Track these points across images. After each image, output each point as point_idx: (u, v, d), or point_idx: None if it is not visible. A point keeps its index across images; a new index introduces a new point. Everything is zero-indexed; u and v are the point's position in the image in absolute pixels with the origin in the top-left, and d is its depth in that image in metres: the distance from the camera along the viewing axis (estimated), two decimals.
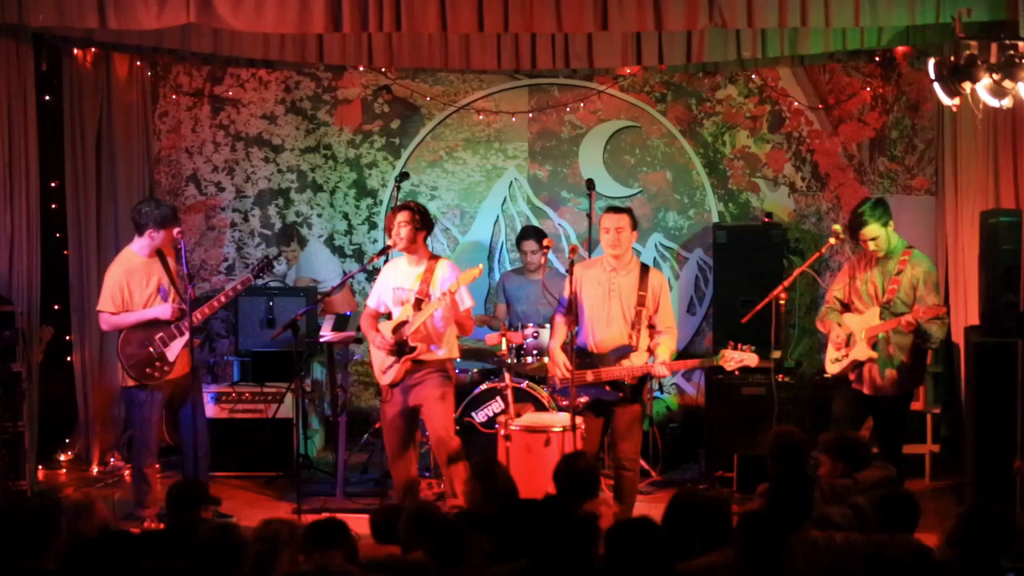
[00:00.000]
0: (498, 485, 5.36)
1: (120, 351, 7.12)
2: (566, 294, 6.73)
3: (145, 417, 7.16)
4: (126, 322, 7.11)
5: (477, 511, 5.16)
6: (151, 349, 7.06)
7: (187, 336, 7.01)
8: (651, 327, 6.81)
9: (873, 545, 4.42)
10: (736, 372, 7.02)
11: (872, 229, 6.77)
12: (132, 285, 7.11)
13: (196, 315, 7.11)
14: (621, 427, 6.81)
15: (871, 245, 6.80)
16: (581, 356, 6.75)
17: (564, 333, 6.79)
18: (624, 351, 6.76)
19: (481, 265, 6.89)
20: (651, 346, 6.81)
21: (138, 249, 7.17)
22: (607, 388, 6.74)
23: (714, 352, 7.14)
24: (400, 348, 6.75)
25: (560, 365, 6.77)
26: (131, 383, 7.12)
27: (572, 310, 6.64)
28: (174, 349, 7.07)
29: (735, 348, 6.77)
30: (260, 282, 9.27)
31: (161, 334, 7.07)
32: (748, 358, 6.75)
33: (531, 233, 8.53)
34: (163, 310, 7.07)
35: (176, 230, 7.10)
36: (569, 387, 6.60)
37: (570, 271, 6.71)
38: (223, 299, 7.28)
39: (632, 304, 6.75)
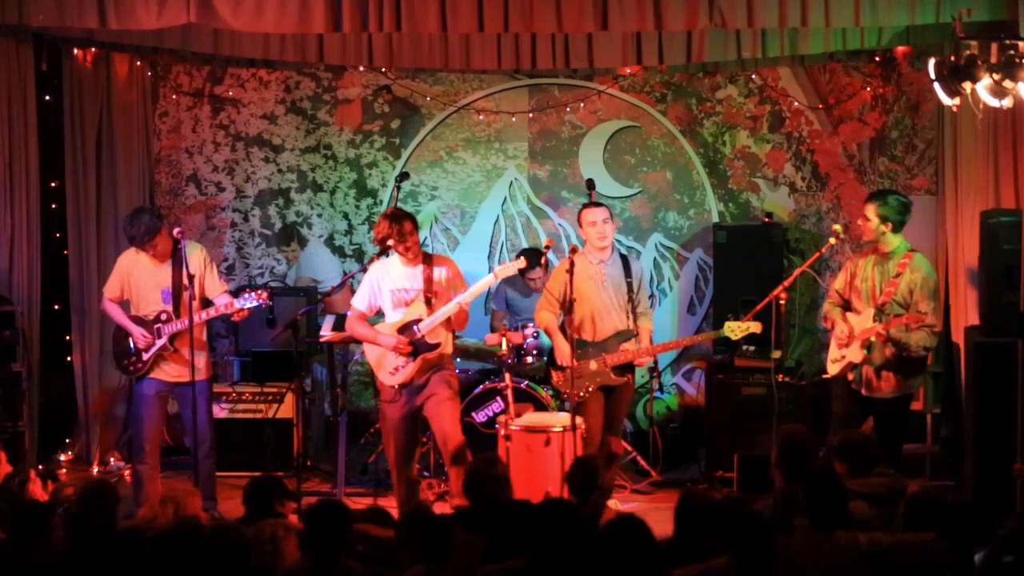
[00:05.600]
0: (499, 497, 5.33)
1: (112, 337, 7.32)
2: (554, 289, 7.11)
3: (136, 411, 7.27)
4: (111, 315, 7.26)
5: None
6: (129, 343, 7.14)
7: (163, 341, 7.04)
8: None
9: (900, 545, 4.43)
10: (740, 340, 7.31)
11: (868, 208, 6.81)
12: (134, 277, 7.16)
13: (178, 324, 7.03)
14: (618, 412, 7.22)
15: (860, 222, 6.89)
16: (580, 347, 7.01)
17: (557, 324, 7.15)
18: (625, 336, 7.11)
19: (521, 258, 7.10)
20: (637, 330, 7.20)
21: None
22: (612, 374, 7.05)
23: (717, 332, 7.45)
24: (421, 347, 6.73)
25: (568, 356, 6.87)
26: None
27: (571, 310, 6.74)
28: (151, 350, 7.08)
29: (737, 319, 7.13)
30: (261, 282, 9.33)
31: (144, 330, 7.10)
32: (752, 325, 7.09)
33: (534, 262, 8.20)
34: (139, 334, 7.08)
35: (176, 230, 7.09)
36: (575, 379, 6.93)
37: (570, 271, 6.75)
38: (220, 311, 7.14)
39: (624, 291, 7.13)
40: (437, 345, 6.72)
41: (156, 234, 7.00)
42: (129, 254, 7.24)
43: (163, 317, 7.05)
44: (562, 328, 7.11)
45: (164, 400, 7.23)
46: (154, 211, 7.25)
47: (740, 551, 4.21)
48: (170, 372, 7.13)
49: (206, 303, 7.16)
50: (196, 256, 7.17)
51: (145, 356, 7.09)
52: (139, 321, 7.12)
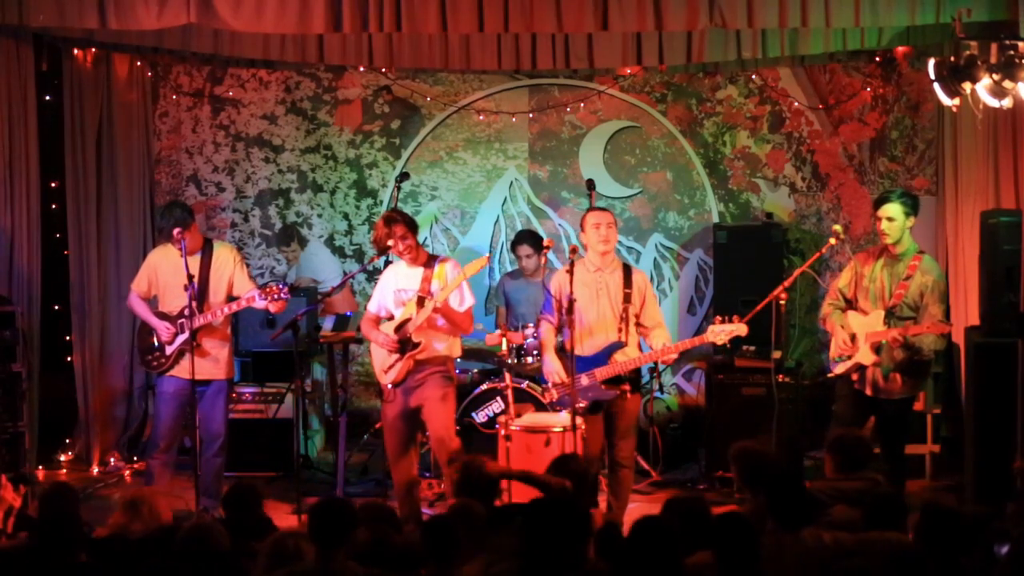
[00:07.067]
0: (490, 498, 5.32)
1: (136, 333, 7.39)
2: (553, 291, 6.88)
3: (155, 407, 7.30)
4: (135, 310, 7.30)
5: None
6: (153, 339, 7.14)
7: (186, 335, 6.96)
8: (638, 325, 6.86)
9: (863, 543, 4.44)
10: (728, 344, 6.93)
11: (892, 208, 6.70)
12: (161, 273, 7.16)
13: (200, 319, 7.01)
14: (621, 425, 6.83)
15: (884, 225, 6.72)
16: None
17: (553, 340, 6.93)
18: (615, 347, 6.78)
19: (487, 255, 6.94)
20: (648, 343, 6.89)
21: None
22: (603, 387, 6.74)
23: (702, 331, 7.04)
24: (404, 345, 6.76)
25: (556, 373, 6.82)
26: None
27: (571, 309, 6.63)
28: (174, 344, 7.08)
29: (722, 321, 6.75)
30: (261, 282, 9.32)
31: (168, 323, 7.10)
32: (737, 328, 6.71)
33: (525, 237, 8.49)
34: (163, 327, 7.09)
35: (176, 230, 7.04)
36: (567, 396, 6.64)
37: (571, 271, 6.70)
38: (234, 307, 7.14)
39: (620, 301, 6.81)
40: (419, 344, 6.72)
41: (184, 227, 6.98)
42: (159, 250, 7.29)
43: (187, 312, 6.98)
44: (560, 347, 6.98)
45: (183, 399, 7.10)
46: (186, 206, 7.27)
47: (726, 550, 4.22)
48: (191, 369, 7.04)
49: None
50: (226, 255, 7.21)
51: (168, 350, 7.09)
52: (163, 317, 7.13)
